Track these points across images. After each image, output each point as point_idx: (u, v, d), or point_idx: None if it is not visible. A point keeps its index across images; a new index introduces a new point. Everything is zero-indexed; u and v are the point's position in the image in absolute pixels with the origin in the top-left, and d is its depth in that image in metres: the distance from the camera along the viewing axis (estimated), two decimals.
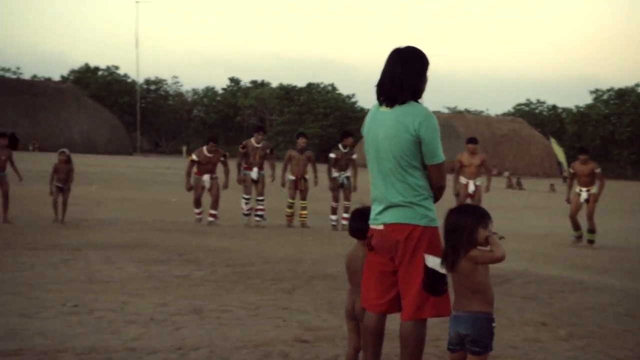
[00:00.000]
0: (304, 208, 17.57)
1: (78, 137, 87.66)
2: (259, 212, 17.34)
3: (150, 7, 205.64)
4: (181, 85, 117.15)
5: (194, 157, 17.38)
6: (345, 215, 16.84)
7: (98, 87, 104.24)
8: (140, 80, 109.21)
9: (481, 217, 4.71)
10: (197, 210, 17.32)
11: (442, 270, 4.85)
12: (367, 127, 5.09)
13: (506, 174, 63.34)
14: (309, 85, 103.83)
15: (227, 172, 17.41)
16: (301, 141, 17.74)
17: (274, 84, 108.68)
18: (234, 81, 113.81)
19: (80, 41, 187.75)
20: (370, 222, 5.09)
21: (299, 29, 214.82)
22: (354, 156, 17.37)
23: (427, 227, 4.89)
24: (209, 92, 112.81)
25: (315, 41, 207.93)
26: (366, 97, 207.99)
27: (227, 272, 10.33)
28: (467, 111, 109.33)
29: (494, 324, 4.75)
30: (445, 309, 4.92)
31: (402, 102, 4.90)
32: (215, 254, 11.91)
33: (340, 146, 17.36)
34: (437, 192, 5.00)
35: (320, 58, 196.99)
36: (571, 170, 16.70)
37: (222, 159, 17.45)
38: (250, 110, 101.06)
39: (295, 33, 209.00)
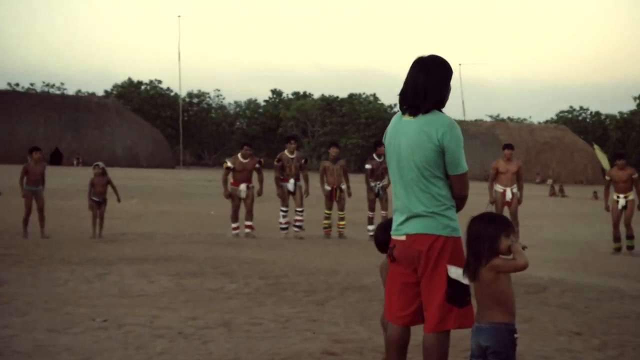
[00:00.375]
0: (341, 219, 17.42)
1: (121, 151, 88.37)
2: (298, 223, 17.18)
3: (191, 21, 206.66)
4: (223, 98, 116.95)
5: (228, 163, 17.19)
6: None
7: (141, 101, 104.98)
8: (183, 93, 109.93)
9: (504, 225, 4.65)
10: (233, 225, 17.05)
11: (465, 281, 4.79)
12: (390, 137, 5.04)
13: (549, 181, 62.69)
14: (351, 95, 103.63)
15: (261, 180, 17.22)
16: (333, 151, 17.67)
17: (316, 95, 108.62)
18: (276, 93, 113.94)
19: (123, 56, 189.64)
20: (392, 232, 5.03)
21: (341, 40, 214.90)
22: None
23: (450, 237, 4.83)
24: (251, 104, 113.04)
25: (357, 51, 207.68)
26: None
27: (260, 284, 10.31)
28: (510, 119, 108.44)
29: (515, 335, 4.67)
30: (468, 320, 4.84)
31: (426, 112, 4.84)
32: (249, 266, 11.89)
33: (374, 156, 17.28)
34: (459, 202, 4.94)
35: (362, 68, 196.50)
36: (607, 178, 16.44)
37: (257, 165, 17.27)
38: (292, 121, 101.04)
39: (337, 44, 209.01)
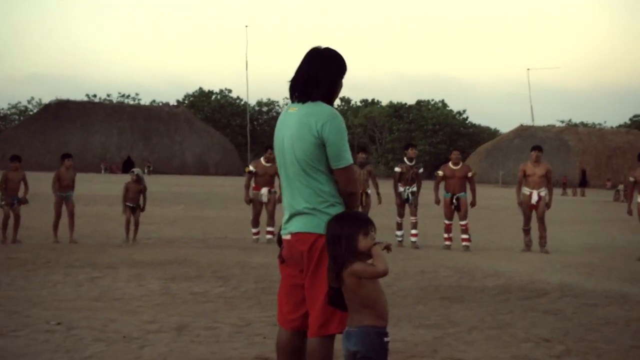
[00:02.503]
0: None
1: (190, 159, 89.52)
2: None
3: (259, 31, 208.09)
4: None
5: (250, 168, 16.83)
6: (413, 231, 16.34)
7: (211, 110, 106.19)
8: (253, 102, 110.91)
9: (360, 223, 4.34)
10: (254, 230, 16.74)
11: None
12: (276, 131, 4.80)
13: (620, 187, 61.08)
14: (419, 102, 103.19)
15: None
16: (360, 156, 16.99)
17: (384, 102, 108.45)
18: (345, 100, 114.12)
19: (194, 66, 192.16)
20: (281, 232, 4.78)
21: (410, 47, 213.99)
22: (421, 170, 16.71)
23: None
24: None
25: (426, 58, 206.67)
26: (478, 113, 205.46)
27: (250, 288, 10.15)
28: (583, 124, 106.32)
29: (386, 339, 4.36)
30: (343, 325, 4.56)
31: (315, 100, 4.59)
32: (251, 271, 11.73)
33: (405, 159, 16.70)
34: (347, 199, 4.63)
35: (431, 74, 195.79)
36: (631, 179, 15.84)
37: None
38: (360, 128, 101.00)
39: (406, 50, 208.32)
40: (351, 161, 4.60)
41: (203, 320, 7.84)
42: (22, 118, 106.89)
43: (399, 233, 16.70)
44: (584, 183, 64.86)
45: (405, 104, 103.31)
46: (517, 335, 7.53)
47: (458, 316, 8.46)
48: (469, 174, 16.17)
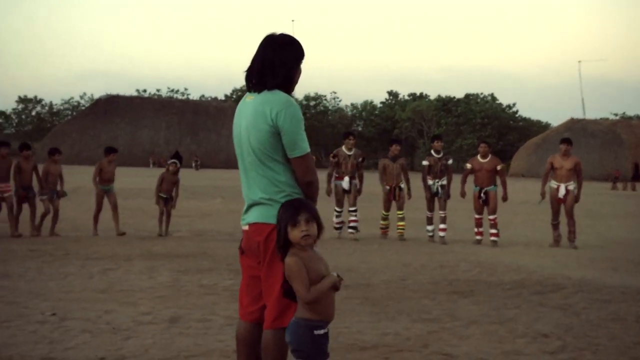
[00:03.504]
0: (401, 219, 16.41)
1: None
2: (352, 224, 16.33)
3: (305, 25, 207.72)
4: (340, 101, 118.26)
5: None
6: (442, 226, 16.04)
7: None
8: (300, 96, 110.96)
9: (290, 213, 4.26)
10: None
11: None
12: (234, 120, 4.71)
13: None
14: (467, 95, 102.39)
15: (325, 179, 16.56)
16: (394, 148, 16.68)
17: (432, 95, 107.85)
18: (393, 94, 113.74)
19: (242, 61, 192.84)
20: (241, 223, 4.68)
21: (459, 40, 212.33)
22: (450, 162, 16.37)
23: None
24: (368, 106, 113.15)
25: (475, 51, 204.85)
26: (528, 106, 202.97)
27: None
28: (638, 117, 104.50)
29: (317, 332, 4.22)
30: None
31: (271, 89, 4.48)
32: None
33: (432, 151, 16.35)
34: (305, 189, 4.51)
35: (481, 68, 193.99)
36: None
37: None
38: (407, 122, 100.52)
39: (455, 43, 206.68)
40: (308, 150, 4.49)
41: (199, 313, 7.78)
42: (74, 113, 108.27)
43: (429, 228, 16.42)
44: (636, 177, 63.61)
45: (454, 97, 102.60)
46: (516, 330, 7.35)
47: (461, 311, 8.30)
48: (498, 167, 15.72)
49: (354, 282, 10.14)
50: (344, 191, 16.45)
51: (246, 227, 4.56)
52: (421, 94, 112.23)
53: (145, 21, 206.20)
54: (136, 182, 37.06)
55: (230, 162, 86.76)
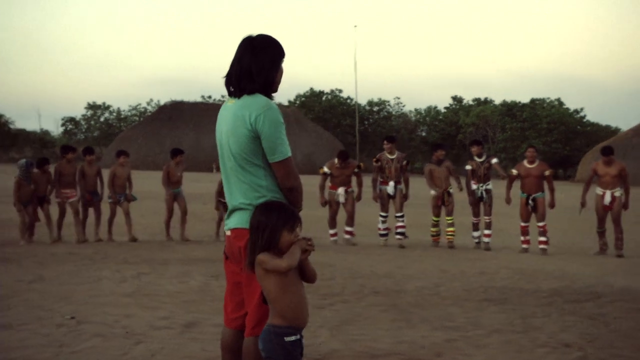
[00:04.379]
0: (450, 225, 15.95)
1: (300, 159, 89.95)
2: (399, 230, 15.98)
3: (368, 31, 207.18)
4: (404, 106, 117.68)
5: (325, 169, 16.27)
6: (486, 231, 15.80)
7: (322, 110, 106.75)
8: (363, 102, 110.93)
9: (287, 217, 4.15)
10: (331, 232, 16.26)
11: None
12: (217, 125, 4.62)
13: None
14: (533, 100, 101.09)
15: (360, 184, 16.22)
16: (439, 153, 16.29)
17: (497, 100, 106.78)
18: (457, 100, 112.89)
19: (305, 67, 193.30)
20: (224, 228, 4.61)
21: (525, 44, 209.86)
22: (494, 161, 16.02)
23: None
24: (431, 111, 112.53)
25: (542, 56, 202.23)
26: (597, 110, 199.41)
27: None
28: None
29: (288, 339, 4.10)
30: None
31: (250, 93, 4.40)
32: None
33: (474, 156, 16.05)
34: (287, 194, 4.42)
35: (547, 73, 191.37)
36: None
37: (356, 170, 16.19)
38: (471, 127, 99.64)
39: (521, 48, 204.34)
40: (289, 154, 4.39)
41: (218, 318, 7.70)
42: (141, 119, 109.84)
43: (475, 234, 16.12)
44: None
45: (519, 102, 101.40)
46: (538, 339, 7.14)
47: (487, 319, 8.11)
48: (546, 173, 15.29)
49: (386, 289, 10.02)
50: (389, 196, 16.15)
51: (228, 233, 4.49)
52: (486, 99, 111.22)
53: (211, 29, 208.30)
54: (198, 187, 37.34)
55: None
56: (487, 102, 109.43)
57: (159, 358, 6.11)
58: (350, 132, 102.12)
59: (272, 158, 4.34)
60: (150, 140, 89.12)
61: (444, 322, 7.86)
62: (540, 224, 15.14)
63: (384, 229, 16.23)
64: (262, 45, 4.47)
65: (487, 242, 15.72)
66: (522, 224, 15.39)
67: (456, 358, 6.38)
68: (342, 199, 16.15)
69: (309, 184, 16.12)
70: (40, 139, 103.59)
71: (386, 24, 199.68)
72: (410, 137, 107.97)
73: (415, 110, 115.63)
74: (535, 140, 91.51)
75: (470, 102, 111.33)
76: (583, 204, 15.34)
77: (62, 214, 15.26)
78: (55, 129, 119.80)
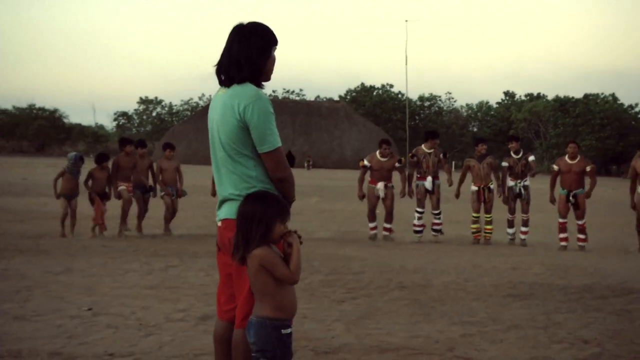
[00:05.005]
0: (488, 222, 15.69)
1: (349, 154, 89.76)
2: (436, 227, 15.81)
3: (419, 25, 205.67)
4: (455, 101, 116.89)
5: (365, 162, 15.99)
6: (523, 229, 15.47)
7: (372, 105, 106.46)
8: (414, 97, 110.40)
9: (281, 209, 4.11)
10: (371, 225, 15.88)
11: None
12: (208, 115, 4.58)
13: None
14: (586, 96, 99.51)
15: (403, 180, 15.87)
16: (480, 147, 15.97)
17: (550, 96, 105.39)
18: (509, 95, 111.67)
19: (356, 62, 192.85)
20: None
21: (579, 39, 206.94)
22: (531, 158, 15.64)
23: None
24: (483, 106, 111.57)
25: (596, 51, 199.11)
26: None
27: (316, 280, 9.95)
28: None
29: (284, 331, 4.05)
30: None
31: (240, 82, 4.34)
32: (331, 263, 11.54)
33: (511, 152, 15.72)
34: (278, 185, 4.36)
35: (601, 68, 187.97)
36: None
37: (397, 164, 15.86)
38: (523, 123, 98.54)
39: (575, 43, 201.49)
40: (278, 144, 4.33)
41: None
42: (192, 114, 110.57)
43: (510, 231, 15.79)
44: None
45: (572, 97, 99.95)
46: (556, 335, 7.00)
47: (508, 314, 7.97)
48: (588, 168, 14.88)
49: (413, 283, 9.93)
50: (427, 191, 15.92)
51: (219, 224, 4.44)
52: (538, 94, 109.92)
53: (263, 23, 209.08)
54: None
55: (342, 163, 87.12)
56: (539, 97, 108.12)
57: (167, 350, 6.09)
58: (401, 127, 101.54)
59: (261, 148, 4.29)
60: (201, 134, 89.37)
61: (463, 317, 7.74)
62: (580, 222, 14.80)
63: (420, 225, 15.89)
64: (251, 32, 4.41)
65: (524, 239, 15.45)
66: (560, 221, 15.05)
67: (468, 353, 6.27)
68: (381, 194, 15.85)
69: (353, 178, 15.94)
70: (94, 133, 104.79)
71: (438, 18, 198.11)
72: (462, 133, 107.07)
73: (467, 105, 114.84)
74: (589, 136, 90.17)
75: (523, 98, 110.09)
76: (633, 205, 14.63)
77: (126, 203, 15.13)
78: (110, 124, 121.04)
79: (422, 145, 16.16)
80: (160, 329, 6.82)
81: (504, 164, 15.76)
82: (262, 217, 4.04)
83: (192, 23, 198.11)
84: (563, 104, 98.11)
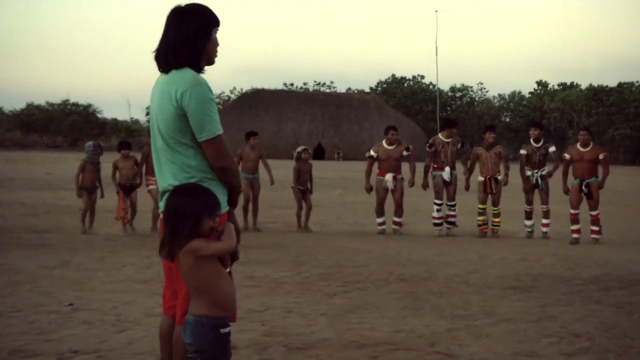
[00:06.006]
0: (496, 214, 15.05)
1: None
2: (450, 219, 15.13)
3: (449, 16, 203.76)
4: (487, 92, 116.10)
5: (371, 152, 15.31)
6: (544, 221, 14.78)
7: (403, 96, 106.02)
8: (445, 87, 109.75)
9: (210, 203, 3.87)
10: (379, 220, 15.23)
11: None
12: (150, 103, 4.36)
13: None
14: (620, 84, 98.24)
15: (413, 169, 15.28)
16: (488, 135, 15.32)
17: (584, 85, 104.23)
18: (542, 84, 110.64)
19: (387, 53, 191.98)
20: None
21: (613, 27, 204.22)
22: (552, 149, 14.92)
23: None
24: (515, 96, 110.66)
25: (630, 38, 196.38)
26: None
27: (315, 273, 9.77)
28: None
29: (223, 330, 3.83)
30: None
31: (178, 68, 4.13)
32: (336, 256, 11.35)
33: (531, 140, 15.05)
34: (220, 175, 4.15)
35: (636, 56, 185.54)
36: None
37: (405, 152, 15.19)
38: (556, 113, 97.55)
39: (609, 31, 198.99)
40: (218, 132, 4.10)
41: None
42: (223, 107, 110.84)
43: (528, 223, 15.03)
44: None
45: (606, 86, 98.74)
46: (548, 329, 6.73)
47: (504, 307, 7.71)
48: (601, 156, 14.18)
49: (414, 275, 9.69)
50: (444, 182, 15.27)
51: (161, 216, 4.24)
52: (572, 83, 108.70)
53: (295, 17, 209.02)
54: (278, 175, 37.21)
55: None
56: (572, 86, 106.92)
57: (135, 346, 5.91)
58: (432, 118, 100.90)
59: (200, 136, 4.08)
60: (231, 128, 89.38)
61: (455, 311, 7.49)
62: (594, 212, 14.09)
63: (439, 218, 15.26)
64: (188, 14, 4.18)
65: (546, 232, 14.80)
66: (573, 212, 14.28)
67: (450, 348, 6.02)
68: (390, 186, 15.20)
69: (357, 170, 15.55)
70: (127, 127, 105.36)
71: (468, 8, 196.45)
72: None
73: (499, 95, 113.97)
74: (623, 125, 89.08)
75: (556, 87, 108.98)
76: None
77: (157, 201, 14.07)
78: (144, 118, 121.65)
79: (439, 134, 15.54)
80: (137, 324, 6.65)
81: (522, 151, 15.08)
82: (189, 211, 3.80)
83: (224, 16, 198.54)
84: (597, 93, 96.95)
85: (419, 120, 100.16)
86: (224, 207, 4.16)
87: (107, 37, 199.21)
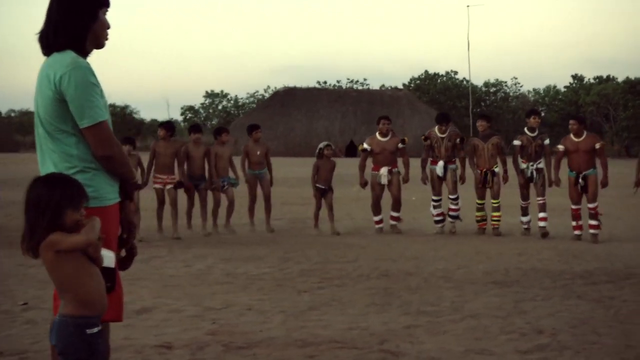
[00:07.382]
0: (495, 209, 13.92)
1: (412, 142, 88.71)
2: (453, 213, 14.21)
3: (481, 10, 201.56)
4: (521, 86, 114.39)
5: (364, 145, 14.41)
6: (541, 214, 13.60)
7: (437, 92, 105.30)
8: (479, 83, 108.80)
9: (73, 195, 3.57)
10: (376, 218, 14.27)
11: (108, 264, 3.76)
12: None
13: None
14: None
15: (406, 163, 14.35)
16: (481, 124, 14.20)
17: (620, 78, 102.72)
18: (577, 78, 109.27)
19: (419, 49, 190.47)
20: None
21: None
22: (546, 142, 13.98)
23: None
24: (550, 91, 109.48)
25: None
26: None
27: (297, 269, 9.60)
28: None
29: (89, 331, 3.54)
30: (114, 312, 3.86)
31: (59, 50, 3.88)
32: (326, 251, 11.19)
33: (526, 129, 14.07)
34: (104, 164, 3.89)
35: None
36: None
37: (400, 145, 14.35)
38: (592, 107, 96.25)
39: None
40: (101, 118, 3.83)
41: (181, 303, 7.33)
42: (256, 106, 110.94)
43: (524, 219, 14.04)
44: None
45: None
46: (512, 325, 6.44)
47: (476, 303, 7.42)
48: (597, 146, 13.19)
49: (399, 271, 9.45)
50: (439, 178, 14.35)
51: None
52: (608, 76, 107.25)
53: (329, 16, 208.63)
54: (305, 173, 37.03)
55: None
56: (609, 79, 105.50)
57: None
58: (466, 114, 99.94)
59: (81, 123, 3.81)
60: (263, 126, 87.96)
61: (423, 307, 7.21)
62: (592, 205, 13.09)
63: (438, 214, 14.42)
64: None
65: (544, 227, 13.58)
66: (573, 207, 13.36)
67: (400, 346, 5.75)
68: (384, 180, 14.29)
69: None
70: None
71: (499, 2, 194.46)
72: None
73: (534, 90, 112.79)
74: None
75: (592, 81, 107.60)
76: (638, 184, 13.48)
77: (161, 202, 13.37)
78: (180, 118, 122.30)
79: (435, 128, 14.66)
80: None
81: (516, 142, 14.13)
82: (48, 203, 3.52)
83: (259, 16, 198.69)
84: (633, 86, 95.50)
85: (453, 115, 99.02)
86: (110, 200, 3.91)
87: (146, 39, 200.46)
